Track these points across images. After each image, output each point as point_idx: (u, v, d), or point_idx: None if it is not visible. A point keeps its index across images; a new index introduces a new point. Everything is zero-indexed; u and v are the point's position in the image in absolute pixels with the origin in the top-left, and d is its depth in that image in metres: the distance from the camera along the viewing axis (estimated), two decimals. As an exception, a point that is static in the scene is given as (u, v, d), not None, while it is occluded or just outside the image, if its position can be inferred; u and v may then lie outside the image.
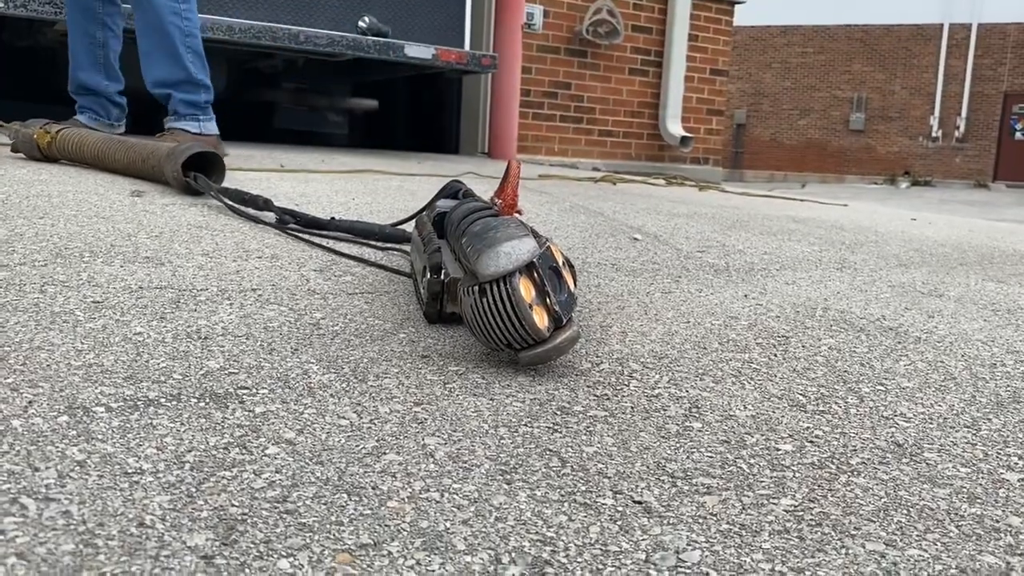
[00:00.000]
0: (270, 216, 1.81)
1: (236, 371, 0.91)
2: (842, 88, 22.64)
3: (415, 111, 6.11)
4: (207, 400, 0.82)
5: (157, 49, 2.53)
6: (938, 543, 0.65)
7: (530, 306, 0.93)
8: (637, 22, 6.25)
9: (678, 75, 6.37)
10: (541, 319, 0.95)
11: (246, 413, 0.79)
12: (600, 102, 6.19)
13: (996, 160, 21.29)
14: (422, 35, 4.59)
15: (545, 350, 0.96)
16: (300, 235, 1.71)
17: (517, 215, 1.22)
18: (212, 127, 2.64)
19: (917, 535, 0.66)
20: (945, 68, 21.49)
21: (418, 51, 4.35)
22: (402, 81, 5.67)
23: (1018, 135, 21.18)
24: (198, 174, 2.00)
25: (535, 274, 0.96)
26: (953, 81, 21.52)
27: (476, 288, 0.96)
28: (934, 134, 21.80)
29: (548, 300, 0.96)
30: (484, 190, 3.01)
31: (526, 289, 0.94)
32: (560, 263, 1.05)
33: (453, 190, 1.60)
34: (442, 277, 1.13)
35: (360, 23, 4.36)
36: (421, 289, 1.22)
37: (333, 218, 1.77)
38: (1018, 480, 0.78)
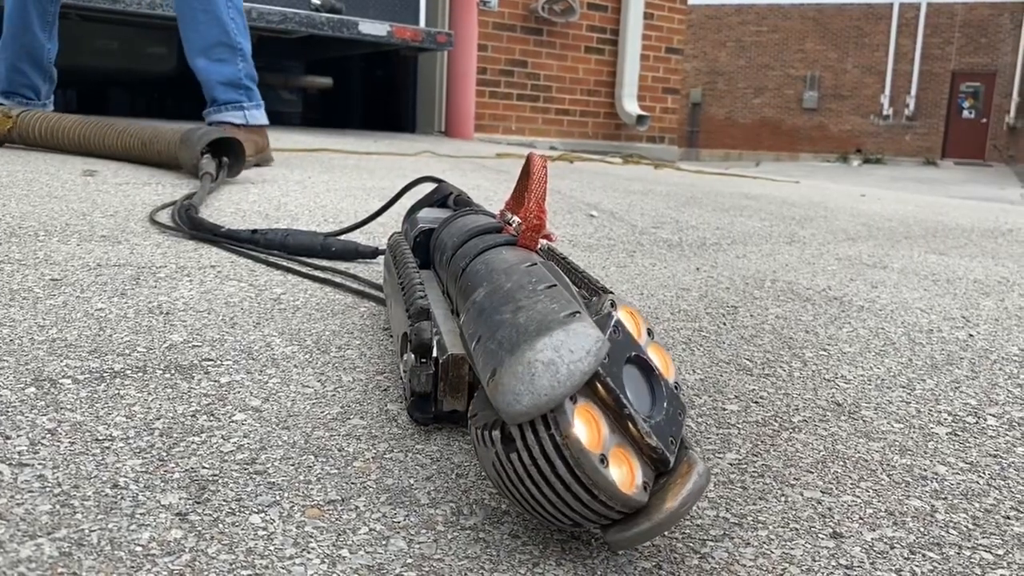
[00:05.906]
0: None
1: (200, 344, 0.93)
2: (795, 67, 22.94)
3: (371, 89, 6.07)
4: (172, 371, 0.83)
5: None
6: (870, 490, 0.69)
7: (602, 459, 0.51)
8: (593, 0, 6.27)
9: (634, 54, 6.41)
10: (626, 476, 0.53)
11: (212, 383, 0.81)
12: (557, 80, 6.21)
13: (944, 138, 21.80)
14: (377, 12, 4.56)
15: (649, 527, 0.53)
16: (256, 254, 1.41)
17: (546, 241, 0.81)
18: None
19: (851, 483, 0.70)
20: (895, 47, 21.90)
21: (373, 28, 4.32)
22: (357, 59, 5.63)
23: (965, 113, 21.69)
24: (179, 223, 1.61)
25: (602, 391, 0.54)
26: (903, 60, 21.93)
27: (497, 435, 0.53)
28: (885, 112, 22.24)
29: (634, 429, 0.55)
30: (443, 170, 3.02)
31: (590, 428, 0.53)
32: (643, 342, 0.62)
33: (442, 194, 1.21)
34: (434, 354, 0.72)
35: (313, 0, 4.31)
36: (402, 372, 0.78)
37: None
38: (946, 433, 0.83)
